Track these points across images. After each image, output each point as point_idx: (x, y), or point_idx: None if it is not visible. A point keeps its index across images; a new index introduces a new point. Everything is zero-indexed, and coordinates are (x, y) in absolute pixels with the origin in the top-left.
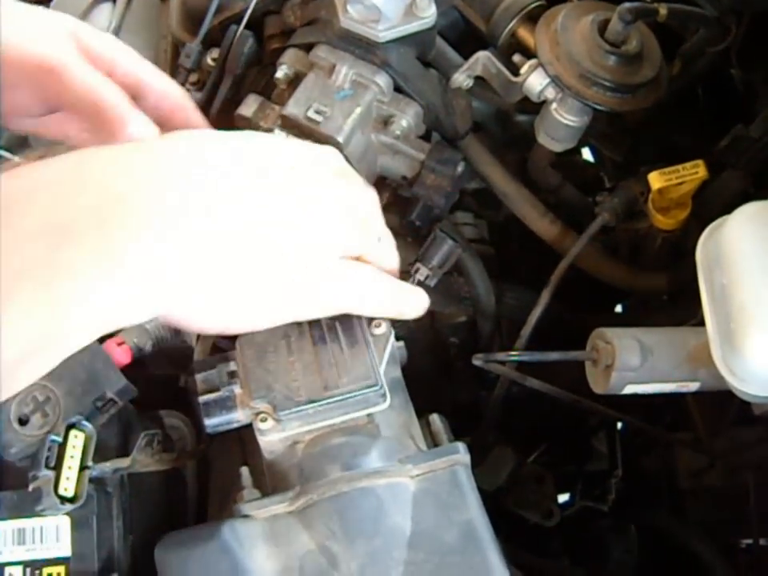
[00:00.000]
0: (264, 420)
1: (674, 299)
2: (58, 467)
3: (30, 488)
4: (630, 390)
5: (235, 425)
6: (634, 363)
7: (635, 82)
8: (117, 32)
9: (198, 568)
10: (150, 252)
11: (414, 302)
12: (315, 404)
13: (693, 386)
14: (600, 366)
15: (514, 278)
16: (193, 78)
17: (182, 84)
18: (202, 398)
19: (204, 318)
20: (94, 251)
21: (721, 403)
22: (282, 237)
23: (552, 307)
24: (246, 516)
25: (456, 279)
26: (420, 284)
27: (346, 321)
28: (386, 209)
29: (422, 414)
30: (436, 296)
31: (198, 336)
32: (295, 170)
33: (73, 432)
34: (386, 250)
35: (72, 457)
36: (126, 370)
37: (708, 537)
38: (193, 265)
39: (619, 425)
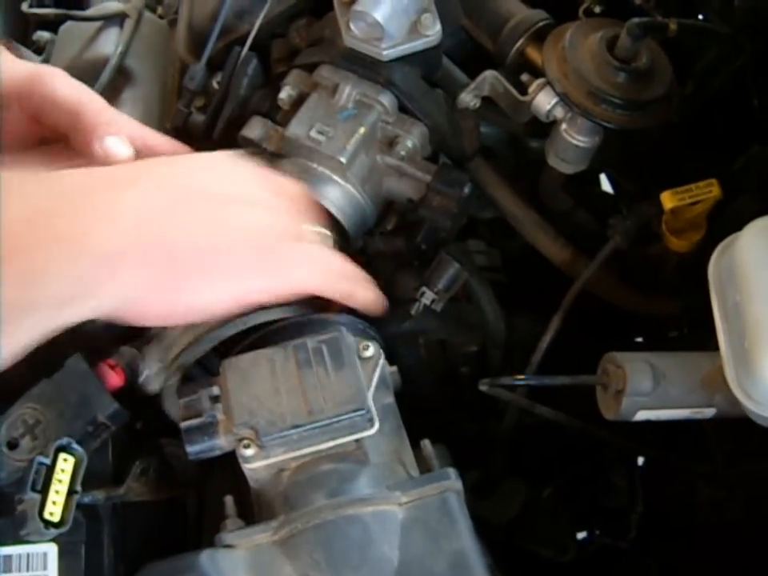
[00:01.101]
0: (247, 446)
1: (690, 329)
2: (44, 491)
3: (16, 512)
4: (642, 416)
5: (218, 452)
6: (645, 388)
7: (645, 99)
8: (123, 56)
9: None
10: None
11: (365, 288)
12: (299, 429)
13: (708, 413)
14: (611, 391)
15: (529, 308)
16: (198, 102)
17: (187, 107)
18: (184, 424)
19: (160, 304)
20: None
21: (741, 432)
22: (231, 216)
23: (564, 335)
24: (228, 546)
25: (466, 306)
26: (426, 309)
27: (332, 343)
28: (393, 234)
29: None
30: (445, 323)
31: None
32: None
33: (62, 455)
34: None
35: (60, 481)
36: (122, 395)
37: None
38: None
39: (640, 460)
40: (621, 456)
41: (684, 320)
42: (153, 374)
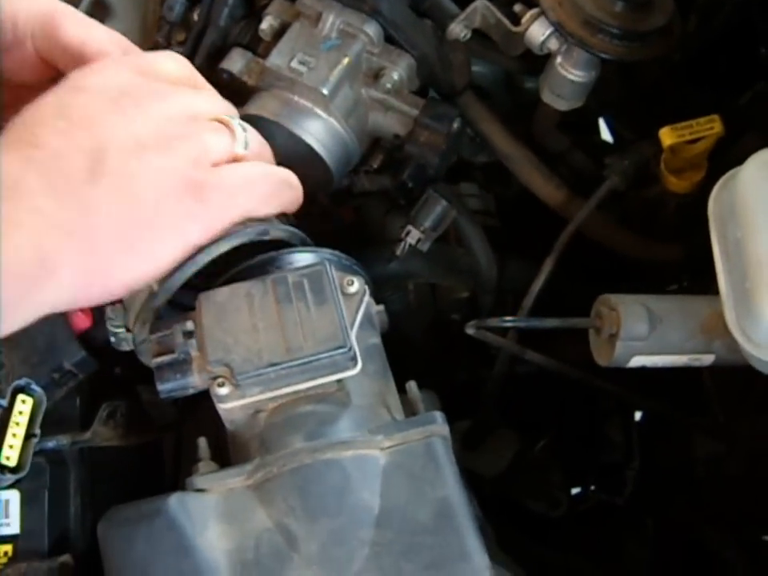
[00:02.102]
0: (222, 385)
1: (690, 280)
2: (0, 434)
3: None
4: (636, 362)
5: (191, 390)
6: (640, 332)
7: (644, 30)
8: None
9: (141, 546)
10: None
11: (292, 189)
12: (277, 367)
13: (707, 359)
14: (604, 335)
15: (522, 254)
16: (178, 36)
17: (166, 41)
18: (155, 361)
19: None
20: None
21: (741, 385)
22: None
23: (557, 281)
24: (200, 490)
25: (456, 250)
26: (412, 248)
27: (314, 277)
28: (380, 172)
29: None
30: (434, 266)
31: None
32: (129, 94)
33: (20, 396)
34: (253, 140)
35: (17, 423)
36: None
37: (728, 531)
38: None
39: (637, 415)
40: (617, 409)
41: (684, 268)
42: (121, 336)
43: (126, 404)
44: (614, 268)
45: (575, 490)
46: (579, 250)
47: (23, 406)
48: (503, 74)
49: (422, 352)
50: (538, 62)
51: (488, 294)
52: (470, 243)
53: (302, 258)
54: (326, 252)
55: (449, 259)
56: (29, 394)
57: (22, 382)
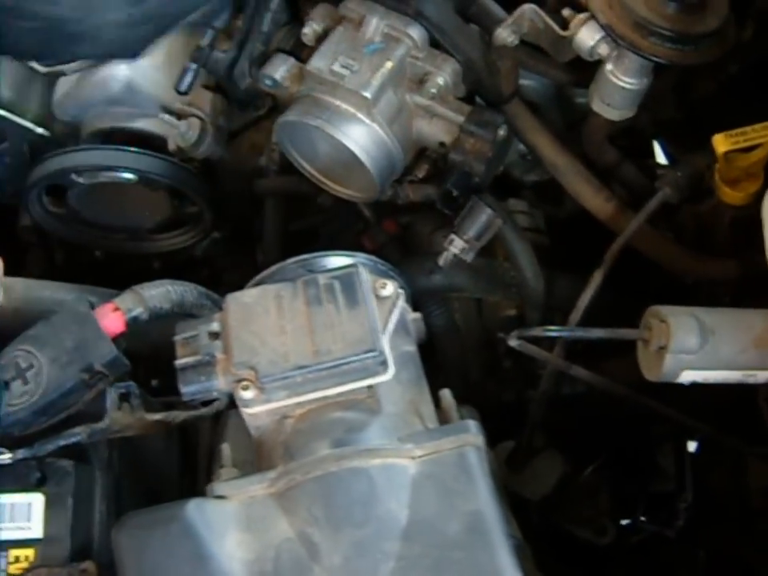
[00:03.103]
0: (246, 388)
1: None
2: None
3: None
4: (687, 377)
5: (215, 393)
6: (691, 344)
7: (697, 32)
8: None
9: (155, 552)
10: None
11: None
12: (304, 371)
13: (762, 376)
14: (653, 347)
15: (571, 272)
16: (224, 44)
17: (210, 47)
18: (179, 362)
19: None
20: None
21: None
22: None
23: (606, 298)
24: (220, 497)
25: (502, 264)
26: (457, 262)
27: (346, 280)
28: (425, 182)
29: None
30: (479, 280)
31: None
32: None
33: None
34: None
35: None
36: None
37: None
38: None
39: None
40: (668, 437)
41: (739, 285)
42: None
43: (137, 385)
44: (664, 283)
45: (624, 521)
46: (629, 264)
47: None
48: (553, 88)
49: (466, 370)
50: (587, 72)
51: (535, 310)
52: (517, 257)
53: (336, 261)
54: (360, 255)
55: (495, 273)
56: None
57: None
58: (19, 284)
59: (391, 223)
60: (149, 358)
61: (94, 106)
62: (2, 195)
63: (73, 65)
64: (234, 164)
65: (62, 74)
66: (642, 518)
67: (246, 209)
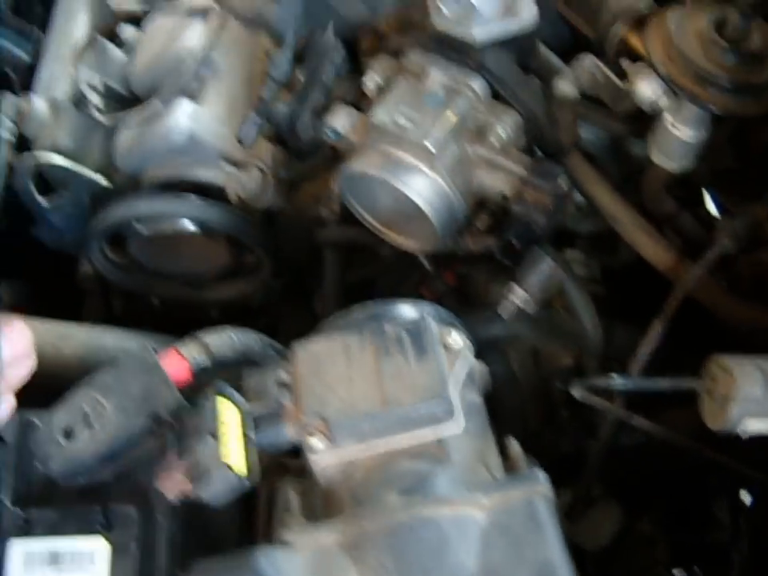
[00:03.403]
0: (316, 437)
1: None
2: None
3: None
4: (750, 426)
5: (284, 442)
6: (756, 394)
7: (757, 83)
8: (209, 50)
9: None
10: None
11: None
12: (373, 419)
13: None
14: (716, 397)
15: (628, 322)
16: (284, 95)
17: (272, 98)
18: (248, 410)
19: None
20: None
21: None
22: None
23: (665, 349)
24: (288, 546)
25: (560, 313)
26: (518, 312)
27: (414, 330)
28: (485, 233)
29: None
30: (538, 329)
31: None
32: None
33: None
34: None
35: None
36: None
37: None
38: None
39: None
40: (724, 488)
41: None
42: None
43: None
44: (724, 333)
45: (680, 572)
46: (688, 314)
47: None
48: (610, 139)
49: (523, 420)
50: (645, 124)
51: (593, 360)
52: (576, 307)
53: (400, 309)
54: (427, 305)
55: (553, 323)
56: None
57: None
58: (81, 331)
59: (450, 274)
60: None
61: (155, 157)
62: (62, 244)
63: (135, 115)
64: (293, 214)
65: (124, 123)
66: (697, 569)
67: (304, 259)
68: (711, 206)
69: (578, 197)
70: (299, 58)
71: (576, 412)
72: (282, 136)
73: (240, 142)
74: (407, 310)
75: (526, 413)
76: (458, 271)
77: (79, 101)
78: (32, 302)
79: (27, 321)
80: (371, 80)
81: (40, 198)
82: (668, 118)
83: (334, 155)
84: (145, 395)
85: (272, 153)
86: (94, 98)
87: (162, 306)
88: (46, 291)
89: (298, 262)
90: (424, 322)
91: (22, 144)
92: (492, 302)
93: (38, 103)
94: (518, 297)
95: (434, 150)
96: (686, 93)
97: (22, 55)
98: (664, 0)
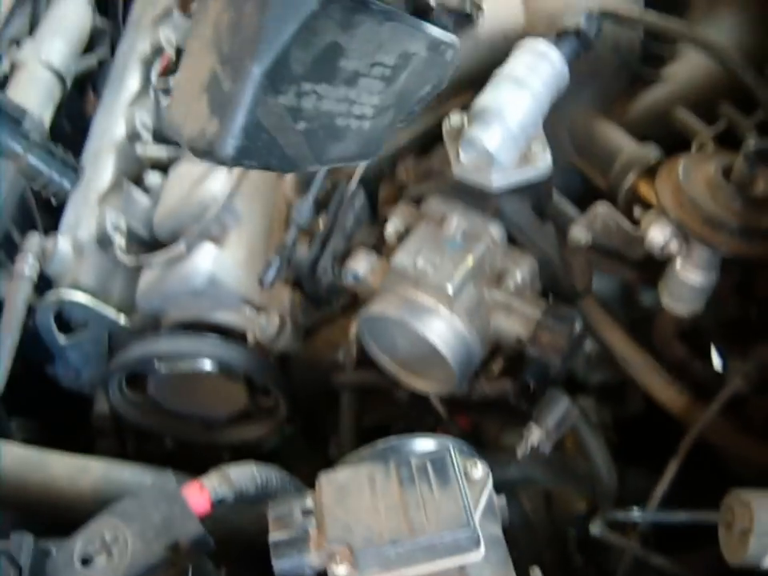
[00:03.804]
0: (340, 563)
1: None
2: None
3: None
4: None
5: (308, 571)
6: None
7: (765, 226)
8: (232, 197)
9: None
10: None
11: None
12: (398, 546)
13: None
14: (735, 531)
15: (641, 467)
16: (304, 240)
17: (293, 243)
18: (273, 537)
19: None
20: None
21: None
22: None
23: (680, 490)
24: None
25: (573, 456)
26: (533, 454)
27: (438, 461)
28: (501, 377)
29: None
30: (553, 472)
31: None
32: None
33: None
34: None
35: None
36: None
37: None
38: None
39: None
40: None
41: None
42: None
43: None
44: (738, 473)
45: None
46: (701, 455)
47: None
48: (619, 287)
49: (539, 565)
50: (656, 271)
51: (608, 503)
52: (590, 450)
53: (423, 444)
54: (448, 439)
55: (567, 466)
56: None
57: None
58: (99, 465)
59: (463, 418)
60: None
61: (176, 298)
62: (77, 383)
63: (158, 257)
64: (309, 359)
65: (147, 265)
66: None
67: (319, 403)
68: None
69: (588, 348)
70: (321, 204)
71: (591, 557)
72: (300, 281)
73: (262, 284)
74: (429, 444)
75: (540, 557)
76: (472, 416)
77: (104, 241)
78: (43, 439)
79: (44, 452)
80: (392, 226)
81: (59, 336)
82: (679, 262)
83: (351, 301)
84: (165, 524)
85: (290, 297)
86: (119, 240)
87: (175, 448)
88: (57, 430)
89: (313, 406)
90: (448, 452)
91: (43, 283)
92: (505, 446)
93: (63, 243)
94: (534, 436)
95: (453, 293)
96: (695, 236)
97: (65, 184)
98: (671, 150)
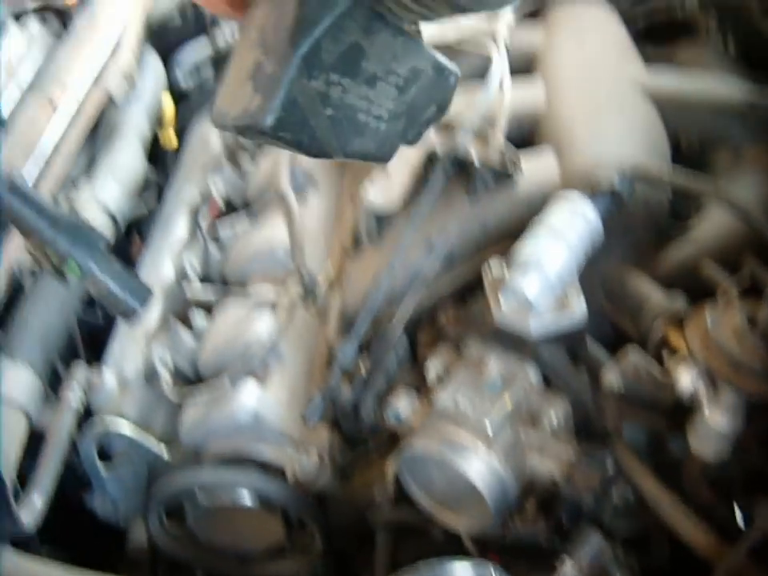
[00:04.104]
0: None
1: None
2: None
3: None
4: None
5: None
6: None
7: None
8: (276, 340)
9: None
10: None
11: None
12: None
13: None
14: None
15: None
16: (346, 382)
17: (337, 383)
18: None
19: None
20: None
21: None
22: None
23: None
24: None
25: None
26: None
27: None
28: (534, 517)
29: None
30: None
31: None
32: None
33: None
34: None
35: None
36: None
37: None
38: None
39: None
40: None
41: None
42: None
43: None
44: None
45: None
46: None
47: None
48: (646, 434)
49: None
50: (684, 417)
51: None
52: None
53: (463, 569)
54: (488, 565)
55: None
56: None
57: None
58: None
59: (494, 559)
60: None
61: (219, 433)
62: (114, 515)
63: (204, 392)
64: (346, 498)
65: (192, 400)
66: None
67: (352, 540)
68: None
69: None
70: (363, 347)
71: None
72: (338, 421)
73: (305, 421)
74: (468, 569)
75: None
76: (503, 557)
77: (150, 376)
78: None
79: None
80: (433, 369)
81: (101, 466)
82: (706, 406)
83: (389, 441)
84: None
85: (329, 436)
86: (166, 375)
87: None
88: (87, 561)
89: (347, 543)
90: (489, 572)
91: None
92: None
93: (108, 377)
94: (567, 569)
95: (491, 433)
96: (722, 378)
97: (137, 305)
98: (696, 299)
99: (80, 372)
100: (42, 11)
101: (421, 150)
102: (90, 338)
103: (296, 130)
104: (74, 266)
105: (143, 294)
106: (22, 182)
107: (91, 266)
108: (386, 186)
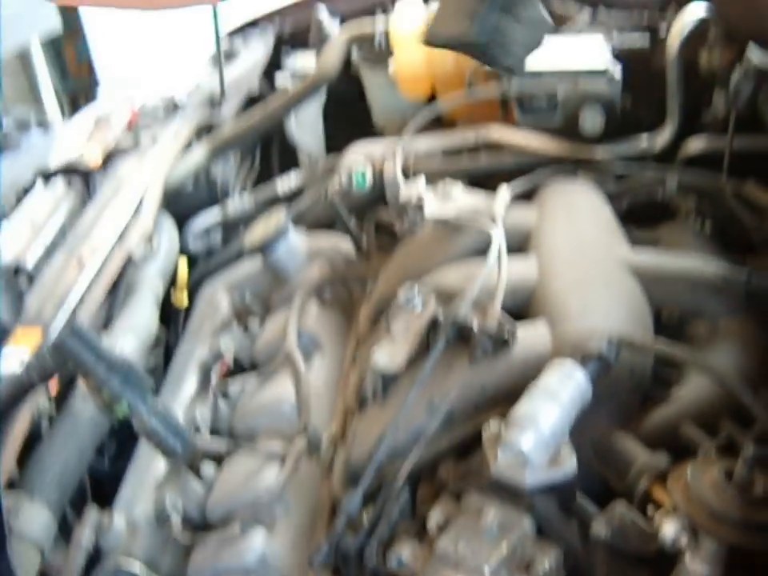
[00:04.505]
0: None
1: None
2: None
3: None
4: None
5: None
6: None
7: (764, 520)
8: (283, 490)
9: None
10: None
11: None
12: None
13: None
14: None
15: None
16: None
17: (342, 531)
18: None
19: None
20: None
21: None
22: None
23: None
24: None
25: None
26: None
27: None
28: None
29: None
30: None
31: None
32: None
33: None
34: None
35: None
36: None
37: None
38: None
39: None
40: None
41: None
42: None
43: None
44: None
45: None
46: None
47: None
48: None
49: None
50: (667, 568)
51: None
52: None
53: None
54: None
55: None
56: None
57: None
58: None
59: None
60: None
61: (227, 574)
62: None
63: (213, 537)
64: None
65: (201, 543)
66: None
67: None
68: None
69: None
70: (367, 498)
71: None
72: (339, 567)
73: (310, 565)
74: None
75: None
76: None
77: (160, 519)
78: None
79: None
80: (434, 518)
81: None
82: (688, 556)
83: None
84: None
85: None
86: (176, 519)
87: None
88: None
89: None
90: None
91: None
92: None
93: (118, 520)
94: None
95: None
96: (702, 528)
97: (177, 448)
98: (678, 458)
99: (92, 514)
100: (67, 173)
101: (424, 318)
102: (97, 483)
103: (492, 45)
104: (124, 406)
105: (183, 437)
106: (83, 327)
107: (140, 407)
108: (392, 349)
